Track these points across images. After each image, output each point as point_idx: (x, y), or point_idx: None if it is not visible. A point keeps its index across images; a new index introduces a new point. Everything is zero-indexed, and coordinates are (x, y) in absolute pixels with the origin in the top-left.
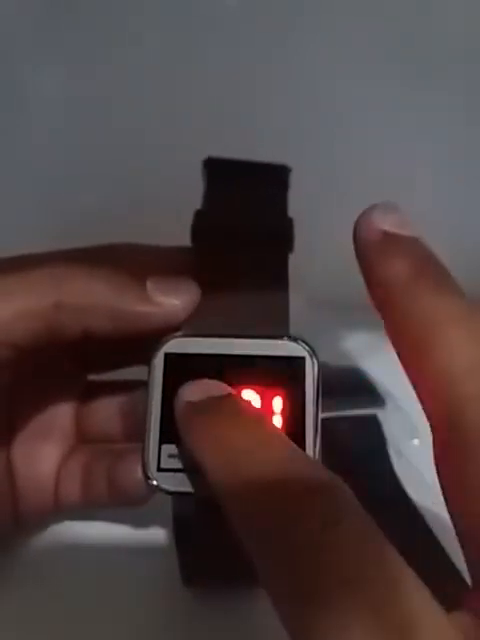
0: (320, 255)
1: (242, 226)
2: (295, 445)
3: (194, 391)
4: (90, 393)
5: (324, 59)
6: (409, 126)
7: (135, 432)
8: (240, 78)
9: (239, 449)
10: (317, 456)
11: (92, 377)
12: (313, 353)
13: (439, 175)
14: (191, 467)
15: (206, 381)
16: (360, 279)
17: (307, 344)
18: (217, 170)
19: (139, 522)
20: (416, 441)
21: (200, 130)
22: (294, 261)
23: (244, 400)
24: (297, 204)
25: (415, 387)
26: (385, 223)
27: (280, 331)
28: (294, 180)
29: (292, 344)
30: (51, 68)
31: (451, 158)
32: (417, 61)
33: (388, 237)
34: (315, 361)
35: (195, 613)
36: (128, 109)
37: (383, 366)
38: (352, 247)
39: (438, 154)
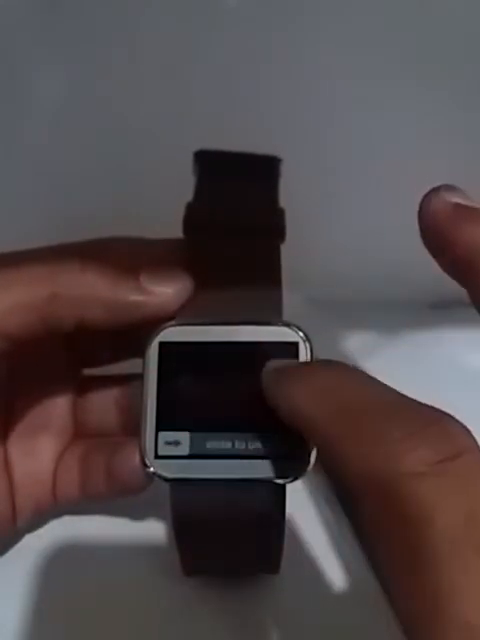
0: (320, 254)
1: (233, 217)
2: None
3: (281, 361)
4: (86, 387)
5: (324, 59)
6: (409, 126)
7: (132, 425)
8: (240, 78)
9: (345, 393)
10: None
11: (88, 371)
12: (307, 338)
13: (439, 175)
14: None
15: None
16: (359, 279)
17: (300, 329)
18: (207, 162)
19: (138, 515)
20: None
21: (200, 129)
22: (293, 260)
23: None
24: (297, 204)
25: None
26: (454, 197)
27: (273, 318)
28: (294, 180)
29: (285, 330)
30: (51, 68)
31: (451, 158)
32: (417, 61)
33: (462, 207)
34: (308, 346)
35: (195, 607)
36: (128, 109)
37: (383, 366)
38: (351, 246)
39: (438, 154)
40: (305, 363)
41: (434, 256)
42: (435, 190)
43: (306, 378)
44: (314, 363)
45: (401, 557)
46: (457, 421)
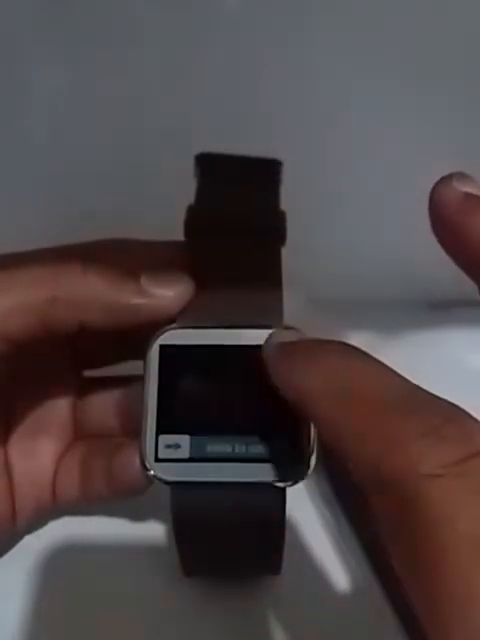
0: (320, 255)
1: (234, 220)
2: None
3: (287, 335)
4: (87, 389)
5: (324, 59)
6: (409, 126)
7: (132, 427)
8: (240, 78)
9: (356, 381)
10: (314, 446)
11: (89, 373)
12: None
13: (439, 175)
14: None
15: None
16: (360, 279)
17: (300, 333)
18: (209, 165)
19: (138, 515)
20: None
21: (200, 129)
22: (294, 260)
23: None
24: (298, 204)
25: None
26: (465, 187)
27: (274, 321)
28: (295, 180)
29: (286, 333)
30: (51, 68)
31: (451, 158)
32: (417, 61)
33: (473, 197)
34: None
35: (195, 608)
36: (128, 109)
37: None
38: (351, 247)
39: (438, 154)
40: (315, 340)
41: (444, 248)
42: (445, 179)
43: (316, 357)
44: (325, 342)
45: (419, 558)
46: (472, 417)
